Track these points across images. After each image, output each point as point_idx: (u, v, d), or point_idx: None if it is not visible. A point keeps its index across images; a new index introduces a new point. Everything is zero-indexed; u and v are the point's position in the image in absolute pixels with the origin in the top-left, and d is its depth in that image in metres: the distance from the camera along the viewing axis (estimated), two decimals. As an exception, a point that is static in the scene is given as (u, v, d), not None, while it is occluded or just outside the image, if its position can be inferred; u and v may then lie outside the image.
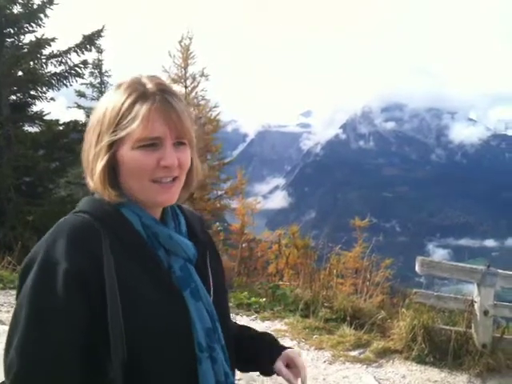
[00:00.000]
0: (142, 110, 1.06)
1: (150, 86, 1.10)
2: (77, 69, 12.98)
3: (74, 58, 12.98)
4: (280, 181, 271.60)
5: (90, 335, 1.00)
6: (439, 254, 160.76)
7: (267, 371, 1.40)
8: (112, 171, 1.10)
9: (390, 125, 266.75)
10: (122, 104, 1.08)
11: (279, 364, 1.36)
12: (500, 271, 5.08)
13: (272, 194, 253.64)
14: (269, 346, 1.42)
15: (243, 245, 11.99)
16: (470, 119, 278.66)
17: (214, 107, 15.08)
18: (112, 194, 1.09)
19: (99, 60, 19.51)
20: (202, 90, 14.99)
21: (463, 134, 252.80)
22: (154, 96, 1.08)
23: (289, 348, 1.42)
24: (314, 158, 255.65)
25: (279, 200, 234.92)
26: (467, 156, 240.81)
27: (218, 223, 12.58)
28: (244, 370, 1.45)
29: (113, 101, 1.10)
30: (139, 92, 1.09)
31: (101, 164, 1.08)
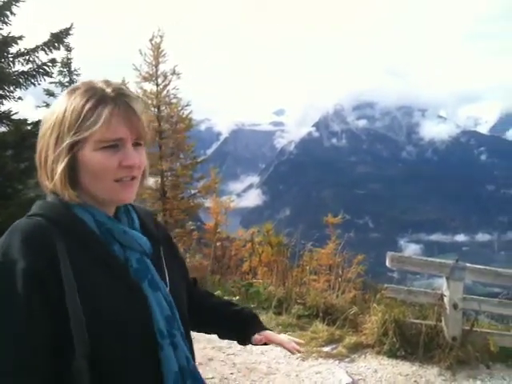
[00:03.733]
0: (104, 112, 1.10)
1: (109, 90, 1.15)
2: (45, 67, 12.68)
3: (42, 57, 12.68)
4: (254, 179, 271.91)
5: (52, 332, 1.02)
6: (411, 250, 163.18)
7: (246, 339, 1.51)
8: (72, 172, 1.13)
9: (362, 123, 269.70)
10: (83, 107, 1.12)
11: (266, 332, 1.50)
12: (468, 265, 5.17)
13: (246, 193, 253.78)
14: (253, 320, 1.56)
15: (217, 243, 11.97)
16: (440, 117, 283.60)
17: (186, 106, 14.99)
18: (72, 194, 1.13)
19: (68, 58, 19.17)
20: (174, 89, 14.87)
21: (433, 131, 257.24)
22: (115, 99, 1.13)
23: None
24: (287, 156, 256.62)
25: (253, 198, 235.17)
26: (438, 153, 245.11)
27: (190, 222, 12.54)
28: (224, 336, 1.60)
29: (72, 104, 1.13)
30: (99, 96, 1.13)
31: (61, 165, 1.12)
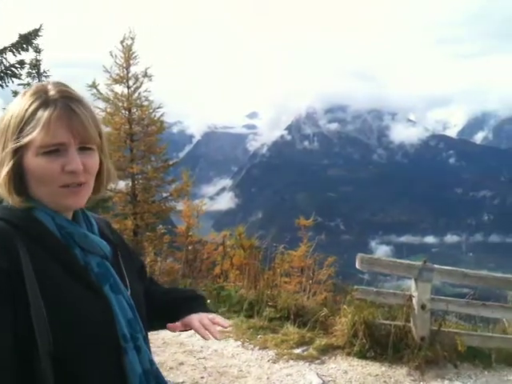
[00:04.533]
0: (43, 116, 1.09)
1: (52, 92, 1.13)
2: (13, 69, 12.45)
3: (10, 58, 12.45)
4: (227, 182, 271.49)
5: (15, 332, 1.01)
6: (382, 251, 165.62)
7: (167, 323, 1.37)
8: (18, 177, 1.12)
9: (334, 126, 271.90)
10: (26, 111, 1.11)
11: (186, 318, 1.36)
12: (436, 266, 5.27)
13: (219, 196, 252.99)
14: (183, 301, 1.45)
15: (189, 247, 11.91)
16: (410, 120, 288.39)
17: (158, 108, 14.87)
18: (17, 200, 1.12)
19: (37, 60, 18.83)
20: (146, 91, 14.73)
21: (403, 134, 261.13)
22: (56, 102, 1.11)
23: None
24: (260, 158, 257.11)
25: (226, 201, 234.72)
26: (407, 156, 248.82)
27: (160, 226, 12.44)
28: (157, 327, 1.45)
29: (17, 108, 1.13)
30: (42, 99, 1.11)
31: (5, 170, 1.11)
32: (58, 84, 1.16)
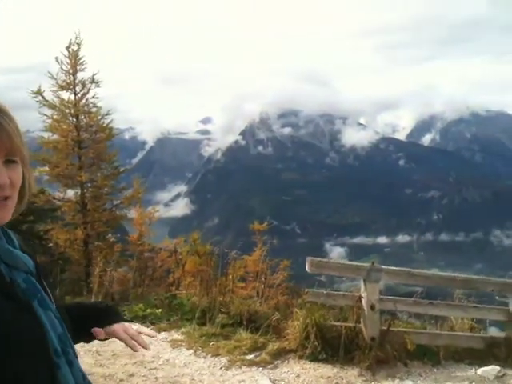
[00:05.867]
0: None
1: None
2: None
3: None
4: (182, 188, 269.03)
5: None
6: (337, 253, 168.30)
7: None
8: None
9: (287, 130, 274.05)
10: None
11: (112, 326, 1.41)
12: (383, 267, 5.37)
13: (174, 202, 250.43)
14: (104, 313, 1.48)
15: (142, 255, 11.71)
16: (360, 124, 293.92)
17: (107, 115, 14.52)
18: None
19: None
20: (93, 97, 14.37)
21: (354, 138, 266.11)
22: None
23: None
24: (215, 164, 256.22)
25: (182, 207, 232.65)
26: (359, 159, 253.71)
27: (110, 234, 12.19)
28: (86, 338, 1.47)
29: None
30: None
31: None
32: None
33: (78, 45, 14.25)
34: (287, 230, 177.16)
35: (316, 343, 5.08)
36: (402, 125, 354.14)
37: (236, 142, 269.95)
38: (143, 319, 6.13)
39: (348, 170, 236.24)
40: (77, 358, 1.22)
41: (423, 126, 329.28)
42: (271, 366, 4.95)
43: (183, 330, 5.76)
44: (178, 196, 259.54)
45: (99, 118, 14.36)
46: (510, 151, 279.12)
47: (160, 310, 6.26)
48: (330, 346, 5.14)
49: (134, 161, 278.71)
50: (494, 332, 6.33)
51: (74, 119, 14.10)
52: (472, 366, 5.35)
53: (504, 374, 5.11)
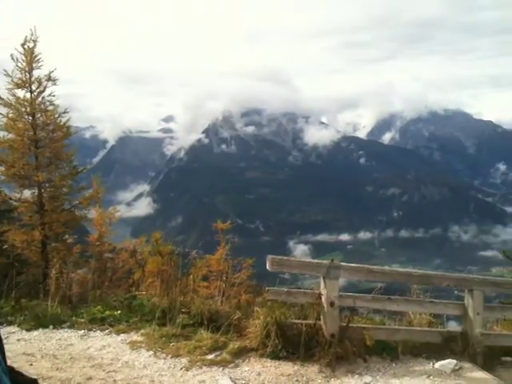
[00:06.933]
0: None
1: None
2: None
3: None
4: (144, 187, 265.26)
5: None
6: (300, 250, 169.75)
7: None
8: None
9: (250, 129, 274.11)
10: None
11: None
12: (343, 264, 5.43)
13: (137, 202, 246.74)
14: None
15: (103, 255, 11.50)
16: (322, 123, 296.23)
17: (64, 113, 14.14)
18: None
19: None
20: (50, 95, 13.98)
21: (316, 136, 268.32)
22: None
23: None
24: (178, 163, 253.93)
25: (144, 207, 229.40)
26: (321, 157, 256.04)
27: (67, 236, 11.91)
28: None
29: None
30: None
31: None
32: None
33: (34, 42, 13.84)
34: (251, 229, 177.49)
35: (277, 341, 5.09)
36: (362, 123, 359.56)
37: (199, 140, 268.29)
38: (102, 321, 6.01)
39: (310, 168, 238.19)
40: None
41: (383, 125, 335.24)
42: (232, 365, 4.93)
43: (143, 331, 5.68)
44: (140, 195, 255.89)
45: (56, 116, 13.98)
46: (466, 149, 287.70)
47: (119, 311, 6.14)
48: (291, 343, 5.16)
49: (95, 160, 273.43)
50: (452, 326, 6.49)
51: (30, 118, 13.70)
52: (429, 360, 5.47)
53: (460, 368, 5.24)
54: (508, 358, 5.98)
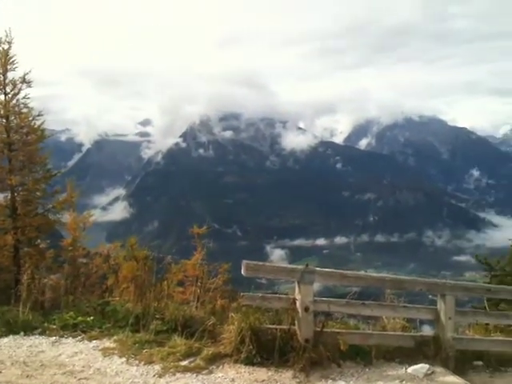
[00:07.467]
0: None
1: None
2: None
3: None
4: (120, 191, 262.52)
5: None
6: (277, 255, 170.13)
7: None
8: None
9: (228, 133, 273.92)
10: None
11: None
12: (317, 269, 5.45)
13: (112, 206, 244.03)
14: None
15: (77, 260, 11.35)
16: (300, 128, 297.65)
17: (39, 115, 13.94)
18: None
19: None
20: (25, 98, 13.78)
21: (294, 141, 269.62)
22: None
23: None
24: (155, 166, 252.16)
25: (120, 211, 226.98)
26: (298, 162, 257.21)
27: (39, 240, 11.71)
28: None
29: None
30: None
31: None
32: None
33: (9, 43, 13.65)
34: (228, 233, 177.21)
35: (251, 347, 5.08)
36: (339, 129, 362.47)
37: (176, 144, 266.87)
38: (74, 328, 5.92)
39: (288, 173, 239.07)
40: None
41: (360, 130, 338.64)
42: (206, 371, 4.90)
43: (116, 337, 5.61)
44: (116, 199, 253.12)
45: (31, 119, 13.78)
46: (441, 155, 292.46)
47: (92, 317, 6.06)
48: (265, 349, 5.15)
49: (71, 163, 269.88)
50: (426, 331, 6.57)
51: (4, 120, 13.49)
52: (402, 364, 5.53)
53: (433, 372, 5.31)
54: (479, 363, 6.08)
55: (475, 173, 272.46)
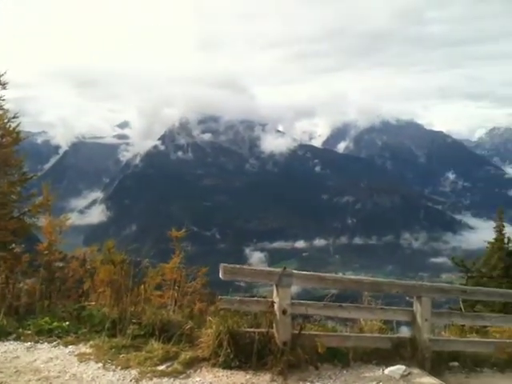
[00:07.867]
0: None
1: None
2: None
3: None
4: (98, 194, 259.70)
5: None
6: (256, 258, 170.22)
7: None
8: None
9: (207, 136, 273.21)
10: None
11: None
12: (295, 272, 5.47)
13: (90, 209, 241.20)
14: None
15: (53, 264, 11.16)
16: (279, 131, 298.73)
17: (14, 118, 13.72)
18: None
19: None
20: (-1, 99, 13.57)
21: (273, 144, 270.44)
22: None
23: None
24: (133, 169, 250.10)
25: (97, 214, 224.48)
26: (277, 165, 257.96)
27: (14, 244, 11.51)
28: None
29: None
30: None
31: None
32: None
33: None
34: (207, 236, 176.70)
35: (229, 350, 5.07)
36: (318, 132, 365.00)
37: (155, 147, 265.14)
38: (49, 333, 5.83)
39: (267, 176, 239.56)
40: None
41: (338, 134, 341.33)
42: (183, 375, 4.87)
43: (92, 342, 5.54)
44: (93, 202, 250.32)
45: (6, 121, 13.55)
46: (417, 158, 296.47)
47: (67, 322, 5.98)
48: (243, 352, 5.14)
49: (47, 166, 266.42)
50: (403, 332, 6.64)
51: (-22, 122, 13.24)
52: (379, 366, 5.58)
53: (409, 373, 5.37)
54: (455, 363, 6.16)
55: (451, 176, 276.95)
